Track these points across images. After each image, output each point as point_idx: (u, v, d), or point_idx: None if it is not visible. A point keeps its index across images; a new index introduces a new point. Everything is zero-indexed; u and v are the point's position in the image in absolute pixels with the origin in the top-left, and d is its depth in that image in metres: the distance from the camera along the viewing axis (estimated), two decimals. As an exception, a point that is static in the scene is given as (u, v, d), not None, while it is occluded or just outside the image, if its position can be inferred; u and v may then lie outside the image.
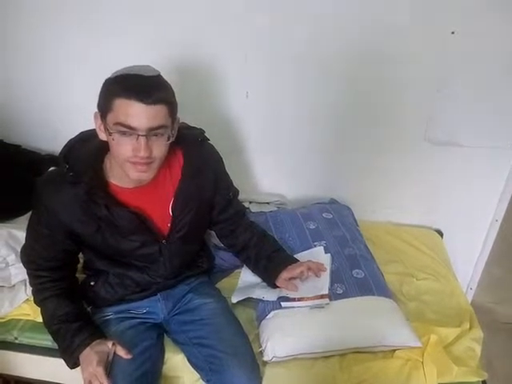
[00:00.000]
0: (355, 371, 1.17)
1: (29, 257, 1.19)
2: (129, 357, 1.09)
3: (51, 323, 1.16)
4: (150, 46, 1.61)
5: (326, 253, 1.44)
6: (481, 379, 1.18)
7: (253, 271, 1.40)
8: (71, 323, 1.14)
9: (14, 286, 1.43)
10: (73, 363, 1.13)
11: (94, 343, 1.11)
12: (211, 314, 1.24)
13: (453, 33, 1.45)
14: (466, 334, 1.29)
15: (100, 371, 1.05)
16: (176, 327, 1.25)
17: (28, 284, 1.43)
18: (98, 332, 1.16)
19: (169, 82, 1.02)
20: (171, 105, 0.99)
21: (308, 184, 1.84)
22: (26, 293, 1.42)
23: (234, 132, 1.75)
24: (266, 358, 1.19)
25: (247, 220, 1.40)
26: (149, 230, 1.14)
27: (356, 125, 1.68)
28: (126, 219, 1.10)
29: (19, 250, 1.42)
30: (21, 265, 1.41)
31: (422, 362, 1.18)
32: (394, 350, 1.21)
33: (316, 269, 1.31)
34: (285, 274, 1.28)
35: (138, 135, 0.94)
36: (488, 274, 1.88)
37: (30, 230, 1.16)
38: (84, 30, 1.64)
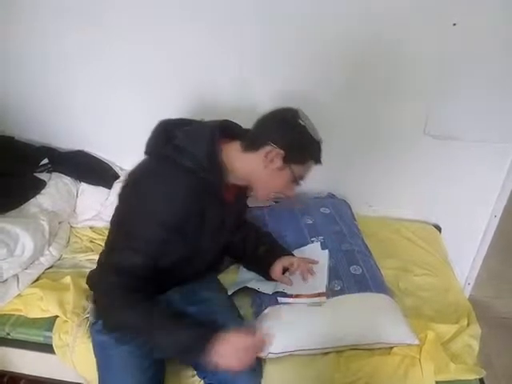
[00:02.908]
0: (352, 368, 1.16)
1: (130, 268, 1.02)
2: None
3: (160, 318, 1.03)
4: (153, 47, 1.60)
5: (323, 249, 1.43)
6: (478, 377, 1.17)
7: (248, 265, 1.40)
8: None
9: (5, 280, 1.41)
10: (207, 345, 0.99)
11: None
12: (216, 309, 1.23)
13: (454, 24, 1.42)
14: (463, 331, 1.28)
15: (259, 337, 1.08)
16: None
17: (20, 278, 1.42)
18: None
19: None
20: None
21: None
22: (18, 287, 1.40)
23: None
24: (262, 354, 1.17)
25: (253, 227, 1.42)
26: (225, 224, 1.18)
27: (354, 119, 1.66)
28: (220, 212, 1.13)
29: (11, 244, 1.42)
30: (12, 259, 1.41)
31: (420, 359, 1.17)
32: (392, 347, 1.20)
33: (305, 271, 1.30)
34: (277, 265, 1.28)
35: None
36: (486, 269, 1.87)
37: (139, 239, 1.03)
38: (84, 28, 1.61)
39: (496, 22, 1.40)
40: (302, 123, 1.06)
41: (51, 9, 1.59)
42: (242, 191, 1.22)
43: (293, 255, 1.33)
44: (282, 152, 1.05)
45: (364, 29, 1.48)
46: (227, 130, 1.11)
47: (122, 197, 1.08)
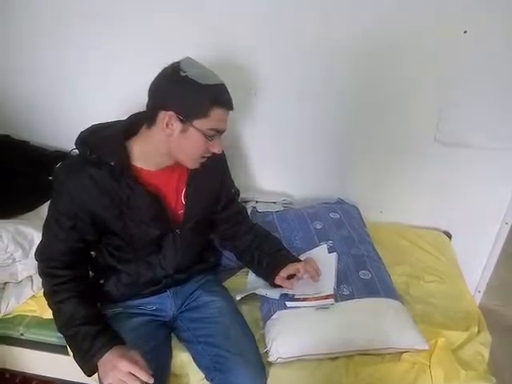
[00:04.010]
0: (361, 373, 1.16)
1: (47, 254, 1.15)
2: (151, 381, 1.01)
3: (68, 326, 1.11)
4: (160, 47, 1.60)
5: (331, 252, 1.43)
6: (489, 384, 1.17)
7: (255, 272, 1.40)
8: (91, 326, 1.10)
9: (20, 281, 1.44)
10: (91, 368, 1.08)
11: (115, 347, 1.06)
12: (218, 313, 1.24)
13: (465, 32, 1.43)
14: (474, 338, 1.27)
15: (139, 363, 1.01)
16: (183, 324, 1.25)
17: (34, 280, 1.44)
18: (119, 337, 1.12)
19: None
20: None
21: (315, 184, 1.82)
22: (32, 289, 1.43)
23: (240, 131, 1.74)
24: (271, 359, 1.18)
25: (249, 221, 1.42)
26: (166, 216, 1.16)
27: (365, 124, 1.66)
28: (147, 201, 1.11)
29: (26, 246, 1.44)
30: (27, 261, 1.44)
31: (429, 366, 1.17)
32: (401, 353, 1.20)
33: (313, 272, 1.29)
34: (282, 272, 1.28)
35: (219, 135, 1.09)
36: (497, 277, 1.85)
37: (50, 225, 1.12)
38: (99, 32, 1.64)
39: (507, 28, 1.40)
40: (186, 74, 1.00)
41: (71, 13, 1.62)
42: (200, 179, 1.19)
43: (299, 260, 1.33)
44: (173, 113, 1.01)
45: (375, 37, 1.49)
46: (136, 121, 1.13)
47: None
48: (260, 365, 1.15)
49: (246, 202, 1.77)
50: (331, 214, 1.63)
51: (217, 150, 1.10)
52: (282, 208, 1.76)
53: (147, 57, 1.61)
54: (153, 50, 1.59)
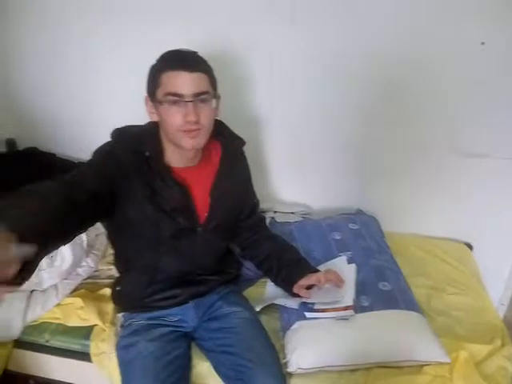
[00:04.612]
0: (381, 386, 1.15)
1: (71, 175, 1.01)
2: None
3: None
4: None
5: (350, 263, 1.43)
6: (513, 399, 1.14)
7: (274, 282, 1.40)
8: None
9: (45, 290, 1.47)
10: None
11: None
12: (240, 323, 1.24)
13: (483, 43, 1.43)
14: (497, 352, 1.25)
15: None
16: (204, 334, 1.26)
17: (59, 288, 1.48)
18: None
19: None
20: (211, 75, 1.10)
21: (334, 195, 1.83)
22: (57, 297, 1.46)
23: (259, 141, 1.77)
24: (290, 370, 1.18)
25: (269, 231, 1.44)
26: (191, 211, 1.18)
27: (383, 136, 1.67)
28: (175, 191, 1.13)
29: (52, 254, 1.48)
30: (52, 269, 1.47)
31: (451, 379, 1.15)
32: (422, 366, 1.18)
33: (335, 280, 1.29)
34: (301, 282, 1.28)
35: (186, 101, 1.03)
36: (521, 290, 1.82)
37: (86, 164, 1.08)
38: (126, 48, 1.70)
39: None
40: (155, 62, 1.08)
41: (98, 26, 1.69)
42: (225, 184, 1.21)
43: (318, 271, 1.32)
44: (146, 98, 1.10)
45: (391, 50, 1.50)
46: None
47: None
48: (282, 376, 1.15)
49: (264, 212, 1.78)
50: (350, 225, 1.63)
51: (189, 118, 1.03)
52: (301, 218, 1.77)
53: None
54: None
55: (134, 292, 1.25)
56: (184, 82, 1.03)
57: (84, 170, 1.04)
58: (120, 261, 1.29)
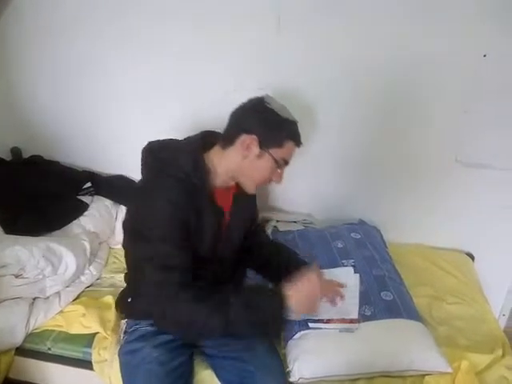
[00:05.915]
0: (383, 395, 1.16)
1: (173, 269, 1.06)
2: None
3: (231, 323, 1.04)
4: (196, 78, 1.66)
5: (354, 273, 1.42)
6: (514, 409, 1.14)
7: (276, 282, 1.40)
8: (246, 297, 1.09)
9: (48, 297, 1.48)
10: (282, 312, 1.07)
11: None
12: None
13: (485, 56, 1.45)
14: (498, 362, 1.25)
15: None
16: (208, 341, 1.26)
17: (62, 296, 1.48)
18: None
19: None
20: None
21: (337, 206, 1.84)
22: (59, 304, 1.47)
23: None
24: (292, 379, 1.19)
25: (267, 237, 1.46)
26: (220, 235, 1.19)
27: (386, 146, 1.68)
28: (212, 218, 1.15)
29: (56, 262, 1.49)
30: (56, 277, 1.48)
31: (453, 389, 1.15)
32: (424, 375, 1.19)
33: (331, 296, 1.25)
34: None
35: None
36: (522, 300, 1.82)
37: (165, 240, 1.06)
38: (136, 67, 1.72)
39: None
40: (270, 106, 1.10)
41: (104, 39, 1.71)
42: (240, 201, 1.24)
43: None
44: (255, 137, 1.09)
45: (395, 62, 1.52)
46: (208, 138, 1.17)
47: (131, 213, 1.17)
48: (286, 382, 1.16)
49: (267, 221, 1.79)
50: (352, 234, 1.64)
51: (279, 180, 1.17)
52: (303, 227, 1.78)
53: (181, 87, 1.69)
54: (187, 80, 1.67)
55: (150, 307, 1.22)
56: (292, 155, 1.17)
57: (170, 250, 1.06)
58: (137, 274, 1.23)
